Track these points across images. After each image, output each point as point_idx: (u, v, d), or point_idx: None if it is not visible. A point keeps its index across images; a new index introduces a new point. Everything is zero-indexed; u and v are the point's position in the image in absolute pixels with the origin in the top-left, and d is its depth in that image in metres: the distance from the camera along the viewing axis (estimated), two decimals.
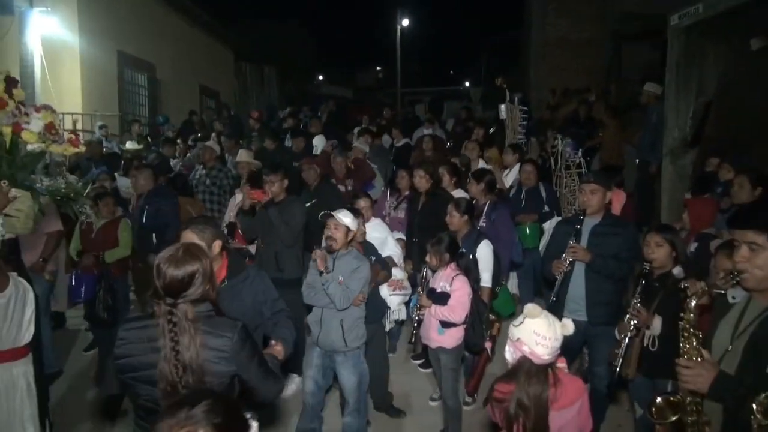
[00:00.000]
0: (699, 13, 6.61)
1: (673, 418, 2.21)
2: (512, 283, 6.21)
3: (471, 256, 4.43)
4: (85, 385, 5.17)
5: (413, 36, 29.95)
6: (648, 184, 8.10)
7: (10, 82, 3.43)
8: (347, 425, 4.06)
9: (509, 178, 7.09)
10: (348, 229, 3.88)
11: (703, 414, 2.19)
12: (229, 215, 6.31)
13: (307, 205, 5.45)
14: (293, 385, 4.96)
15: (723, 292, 2.38)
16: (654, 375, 3.50)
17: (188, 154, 9.74)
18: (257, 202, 4.87)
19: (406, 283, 5.05)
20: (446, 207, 4.78)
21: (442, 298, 4.07)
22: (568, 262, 3.99)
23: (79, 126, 10.30)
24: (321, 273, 3.77)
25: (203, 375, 2.22)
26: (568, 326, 2.47)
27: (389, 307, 4.92)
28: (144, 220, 5.55)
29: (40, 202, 3.45)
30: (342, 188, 7.00)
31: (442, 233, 4.29)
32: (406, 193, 6.04)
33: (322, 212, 3.97)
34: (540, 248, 5.67)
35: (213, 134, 10.30)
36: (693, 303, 2.24)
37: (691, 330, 2.20)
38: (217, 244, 3.02)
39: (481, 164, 7.26)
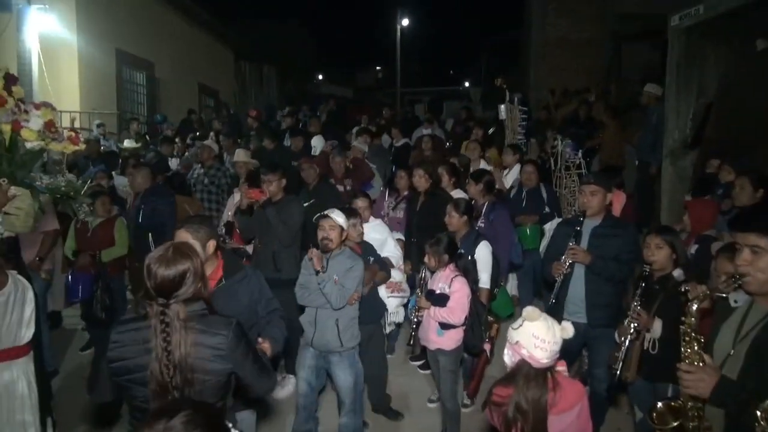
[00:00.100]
0: (700, 14, 6.59)
1: (675, 424, 2.19)
2: (512, 285, 6.19)
3: (469, 257, 4.41)
4: (81, 385, 5.12)
5: (413, 36, 29.97)
6: (648, 186, 8.08)
7: (10, 80, 3.41)
8: (344, 426, 4.04)
9: (509, 178, 7.06)
10: (342, 228, 3.90)
11: (705, 420, 2.16)
12: (228, 214, 6.27)
13: (306, 204, 5.41)
14: (290, 386, 4.94)
15: (725, 295, 2.35)
16: (654, 378, 3.47)
17: (186, 153, 9.71)
18: (255, 201, 4.85)
19: (405, 286, 5.02)
20: (445, 207, 4.75)
21: (441, 300, 4.04)
22: (567, 264, 3.96)
23: (77, 124, 10.24)
24: (317, 272, 3.75)
25: (194, 375, 2.22)
26: (567, 329, 2.43)
27: (387, 309, 4.88)
28: (140, 220, 5.52)
29: (40, 200, 3.43)
30: (341, 188, 6.97)
31: (441, 234, 4.26)
32: (405, 193, 6.01)
33: (317, 214, 3.95)
34: (540, 250, 5.64)
35: (211, 133, 10.27)
36: (694, 307, 2.21)
37: (693, 334, 2.17)
38: (212, 244, 3.03)
39: (483, 165, 7.23)
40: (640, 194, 8.04)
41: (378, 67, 39.98)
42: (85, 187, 4.05)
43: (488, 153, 8.20)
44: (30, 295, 3.16)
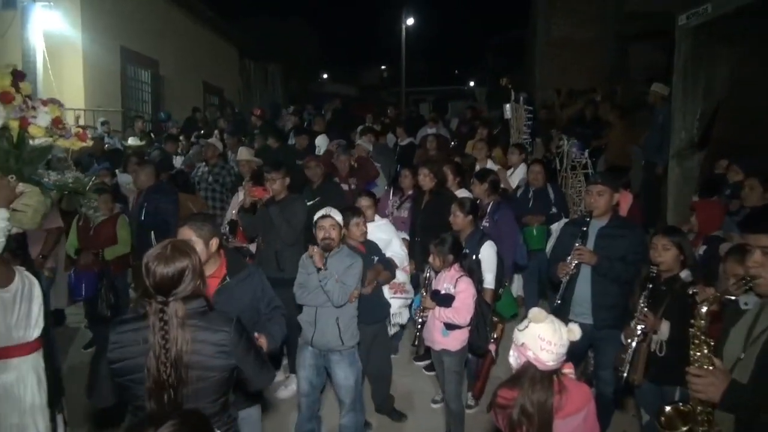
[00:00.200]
0: (708, 13, 6.52)
1: (684, 429, 2.15)
2: (517, 285, 6.15)
3: (474, 257, 4.37)
4: (85, 383, 5.12)
5: (418, 35, 29.85)
6: (654, 186, 8.03)
7: (17, 76, 3.39)
8: (345, 426, 4.01)
9: (514, 178, 7.02)
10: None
11: (714, 424, 2.13)
12: (231, 213, 6.25)
13: (310, 203, 5.39)
14: (293, 385, 4.91)
15: (735, 298, 2.31)
16: (661, 381, 3.43)
17: (189, 152, 9.70)
18: (258, 199, 4.82)
19: (408, 287, 4.99)
20: (450, 206, 4.72)
21: (446, 300, 4.01)
22: (573, 265, 3.92)
23: (81, 122, 10.26)
24: (318, 270, 3.74)
25: (189, 373, 2.22)
26: (574, 331, 2.38)
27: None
28: (143, 218, 5.51)
29: (50, 196, 3.43)
30: (345, 187, 6.94)
31: (445, 234, 4.23)
32: (409, 192, 5.98)
33: (320, 215, 3.93)
34: (547, 250, 5.59)
35: (215, 131, 10.26)
36: (704, 309, 2.17)
37: (702, 337, 2.14)
38: (215, 242, 3.03)
39: (489, 164, 7.18)
40: (646, 195, 7.99)
41: (383, 66, 39.94)
42: (89, 185, 4.05)
43: (493, 152, 8.14)
44: (37, 291, 3.16)
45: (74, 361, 5.69)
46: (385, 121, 12.97)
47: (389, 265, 4.63)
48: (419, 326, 4.22)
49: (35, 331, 3.15)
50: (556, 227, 5.60)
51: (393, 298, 4.78)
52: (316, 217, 3.95)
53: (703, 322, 2.16)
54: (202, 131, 11.26)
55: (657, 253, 3.51)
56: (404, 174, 6.10)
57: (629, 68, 14.12)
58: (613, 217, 4.09)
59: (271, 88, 22.81)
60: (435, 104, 21.75)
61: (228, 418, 2.45)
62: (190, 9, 15.77)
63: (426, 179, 5.55)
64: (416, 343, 4.34)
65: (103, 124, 10.39)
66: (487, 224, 5.27)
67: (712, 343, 2.15)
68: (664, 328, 3.36)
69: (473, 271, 4.19)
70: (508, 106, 9.45)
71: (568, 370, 2.51)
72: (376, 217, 5.13)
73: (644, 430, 3.77)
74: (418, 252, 5.35)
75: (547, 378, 2.38)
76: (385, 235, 4.96)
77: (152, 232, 5.38)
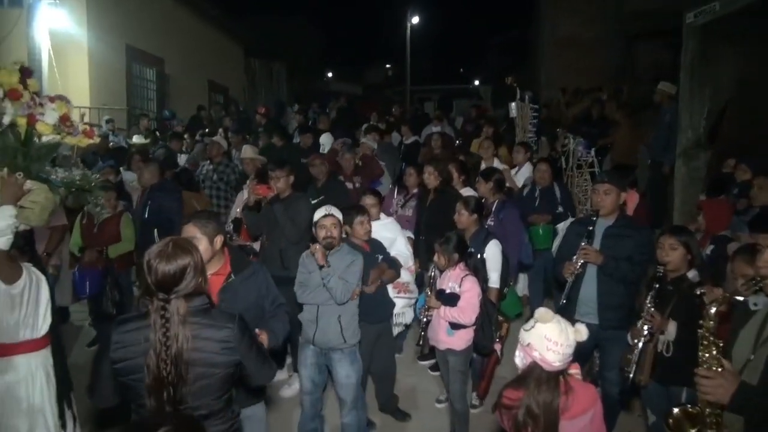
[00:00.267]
0: (716, 11, 6.46)
1: (692, 431, 2.12)
2: (522, 285, 6.12)
3: (479, 256, 4.34)
4: (88, 381, 5.12)
5: (423, 33, 29.81)
6: (661, 185, 7.98)
7: (25, 73, 3.39)
8: (348, 425, 3.99)
9: (519, 176, 6.98)
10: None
11: (723, 427, 2.10)
12: (236, 211, 6.25)
13: (314, 201, 5.37)
14: (296, 384, 4.89)
15: (744, 299, 2.28)
16: (668, 382, 3.40)
17: (192, 151, 9.71)
18: (262, 197, 4.81)
19: (413, 287, 4.96)
20: (455, 205, 4.69)
21: (451, 299, 3.98)
22: (579, 264, 3.89)
23: (86, 120, 10.26)
24: (321, 267, 3.72)
25: (188, 370, 2.22)
26: (581, 332, 2.35)
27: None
28: (146, 215, 5.51)
29: (58, 193, 3.43)
30: (350, 185, 6.92)
31: (450, 232, 4.20)
32: (414, 191, 5.95)
33: (321, 214, 3.91)
34: (553, 250, 5.55)
35: (220, 130, 10.26)
36: (713, 310, 2.14)
37: (711, 338, 2.11)
38: (219, 239, 3.02)
39: (496, 163, 7.14)
40: (653, 194, 7.94)
41: (388, 65, 39.87)
42: (96, 182, 4.05)
43: (498, 151, 8.10)
44: (45, 287, 3.18)
45: (78, 359, 5.68)
46: (390, 119, 12.96)
47: (394, 264, 4.60)
48: (424, 325, 4.20)
49: (43, 328, 3.16)
50: (562, 227, 5.56)
51: (396, 297, 4.75)
52: (316, 217, 3.93)
53: (712, 323, 2.13)
54: (207, 129, 11.27)
55: (664, 253, 3.47)
56: (409, 172, 6.06)
57: (634, 67, 14.07)
58: (620, 216, 4.06)
59: (276, 87, 22.80)
60: (440, 103, 21.69)
61: (231, 414, 2.46)
62: (195, 7, 15.77)
63: (431, 177, 5.53)
64: (421, 342, 4.32)
65: (107, 122, 10.41)
66: (492, 223, 5.24)
67: (721, 345, 2.12)
68: (671, 328, 3.33)
69: (478, 270, 4.16)
70: (513, 104, 9.40)
71: (575, 370, 2.48)
72: (382, 215, 5.11)
73: (650, 431, 3.74)
74: (422, 251, 5.32)
75: (554, 379, 2.36)
76: (390, 233, 4.94)
77: (155, 229, 5.38)
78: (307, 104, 15.71)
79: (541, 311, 2.39)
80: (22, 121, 3.28)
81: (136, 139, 9.77)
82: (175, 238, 2.41)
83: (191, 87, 15.59)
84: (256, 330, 2.84)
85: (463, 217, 4.55)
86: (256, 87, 21.34)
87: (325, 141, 9.26)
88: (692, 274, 3.43)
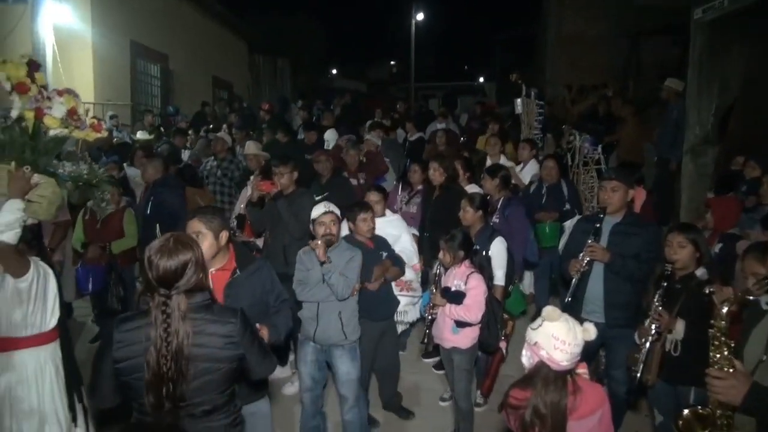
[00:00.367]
0: (724, 7, 6.40)
1: None
2: (528, 282, 6.08)
3: (484, 253, 4.31)
4: (89, 378, 5.12)
5: (427, 30, 29.75)
6: (667, 182, 7.92)
7: (33, 67, 3.37)
8: (350, 423, 3.96)
9: (524, 173, 6.93)
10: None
11: (735, 428, 2.06)
12: (240, 207, 6.22)
13: (318, 198, 5.34)
14: (298, 381, 4.87)
15: (755, 298, 2.24)
16: (676, 381, 3.35)
17: (195, 146, 9.69)
18: (266, 194, 4.78)
19: (415, 285, 4.93)
20: (460, 201, 4.65)
21: (457, 297, 3.95)
22: (585, 262, 3.85)
23: (91, 116, 10.25)
24: (322, 264, 3.69)
25: (189, 366, 2.22)
26: (590, 331, 2.31)
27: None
28: (149, 211, 5.49)
29: (67, 187, 3.42)
30: (354, 182, 6.89)
31: (455, 229, 4.16)
32: (419, 187, 5.92)
33: (321, 211, 3.87)
34: (559, 247, 5.50)
35: (224, 126, 10.25)
36: (724, 310, 2.10)
37: (722, 338, 2.07)
38: (224, 234, 3.01)
39: (502, 160, 7.09)
40: (659, 191, 7.89)
41: (392, 62, 39.81)
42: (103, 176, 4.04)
43: (505, 148, 8.05)
44: (52, 280, 3.19)
45: (81, 355, 5.67)
46: (395, 116, 12.93)
47: (398, 262, 4.57)
48: (428, 323, 4.17)
49: (51, 321, 3.18)
50: (569, 224, 5.51)
51: (399, 295, 4.71)
52: (315, 214, 3.88)
53: (723, 322, 2.09)
54: (211, 125, 11.26)
55: (672, 251, 3.42)
56: (413, 169, 6.04)
57: (640, 64, 13.99)
58: (628, 213, 4.00)
59: (280, 83, 22.80)
60: (444, 99, 21.63)
61: (234, 408, 2.47)
62: (199, 3, 15.77)
63: (436, 174, 5.50)
64: (425, 340, 4.29)
65: (112, 117, 10.40)
66: (498, 220, 5.20)
67: (733, 345, 2.08)
68: (679, 327, 3.29)
69: (483, 268, 4.12)
70: (519, 101, 9.36)
71: (583, 370, 2.44)
72: (387, 212, 5.07)
73: (657, 431, 3.70)
74: (427, 248, 5.29)
75: (561, 378, 2.32)
76: (395, 230, 4.90)
77: (158, 225, 5.36)
78: (311, 101, 15.68)
79: (549, 309, 2.35)
80: (29, 115, 3.28)
81: (140, 135, 9.75)
82: (176, 234, 2.40)
83: (195, 83, 15.59)
84: (257, 325, 2.83)
85: (468, 214, 4.51)
86: (260, 83, 21.34)
87: (330, 137, 9.23)
88: (701, 272, 3.38)
